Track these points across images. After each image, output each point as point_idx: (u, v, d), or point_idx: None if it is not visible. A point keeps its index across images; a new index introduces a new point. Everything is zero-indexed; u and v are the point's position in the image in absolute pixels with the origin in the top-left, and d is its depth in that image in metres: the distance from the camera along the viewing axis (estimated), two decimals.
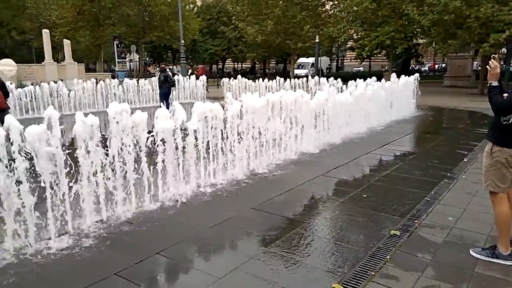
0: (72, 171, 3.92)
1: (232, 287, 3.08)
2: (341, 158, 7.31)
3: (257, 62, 60.88)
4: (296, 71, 35.78)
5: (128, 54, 48.72)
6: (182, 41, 26.32)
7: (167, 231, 4.17)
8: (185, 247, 3.79)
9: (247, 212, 4.68)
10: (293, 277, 3.18)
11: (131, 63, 50.39)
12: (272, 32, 30.06)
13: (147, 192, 4.81)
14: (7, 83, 10.72)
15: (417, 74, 14.20)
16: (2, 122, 7.29)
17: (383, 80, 12.10)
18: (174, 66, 49.07)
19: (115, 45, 34.91)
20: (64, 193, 3.90)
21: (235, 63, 66.44)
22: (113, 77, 26.35)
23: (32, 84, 16.44)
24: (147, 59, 58.99)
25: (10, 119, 3.55)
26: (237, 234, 4.10)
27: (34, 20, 38.93)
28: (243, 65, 67.66)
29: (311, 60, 39.97)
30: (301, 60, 41.89)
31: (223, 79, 20.85)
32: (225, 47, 50.56)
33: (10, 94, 10.26)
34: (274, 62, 63.55)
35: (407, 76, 13.43)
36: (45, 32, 25.68)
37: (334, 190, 5.64)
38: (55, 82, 16.91)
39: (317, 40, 26.74)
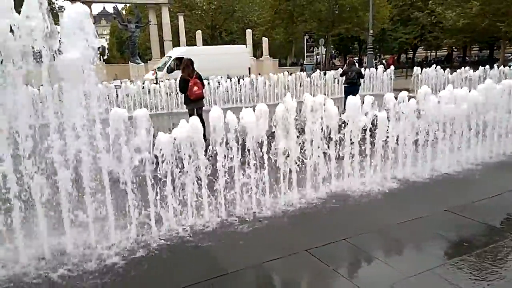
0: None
1: None
2: None
3: (455, 49, 53.88)
4: None
5: (316, 47, 50.58)
6: (371, 31, 25.63)
7: (353, 219, 4.27)
8: (371, 239, 3.79)
9: (440, 213, 4.33)
10: None
11: (317, 56, 52.15)
12: (477, 14, 26.06)
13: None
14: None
15: None
16: (200, 109, 8.67)
17: None
18: (355, 58, 48.19)
19: (305, 40, 36.78)
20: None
21: (428, 51, 60.52)
22: (301, 70, 27.94)
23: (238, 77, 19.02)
24: (333, 51, 59.84)
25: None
26: (428, 235, 3.85)
27: (240, 21, 44.63)
28: (437, 53, 61.01)
29: None
30: None
31: (415, 68, 19.31)
32: (418, 34, 46.53)
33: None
34: (477, 49, 54.99)
35: None
36: (248, 32, 29.21)
37: None
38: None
39: None
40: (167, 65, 22.75)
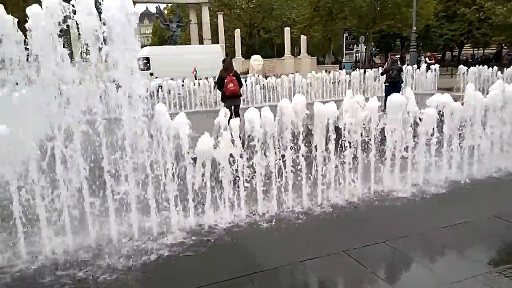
0: None
1: None
2: None
3: (505, 47, 50.87)
4: None
5: (355, 45, 49.52)
6: (414, 28, 24.75)
7: (395, 221, 4.18)
8: (413, 242, 3.70)
9: (487, 219, 4.14)
10: None
11: (357, 54, 51.08)
12: None
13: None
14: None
15: None
16: (237, 106, 8.82)
17: None
18: (397, 56, 46.67)
19: (344, 37, 36.15)
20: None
21: (475, 49, 57.56)
22: (340, 69, 27.50)
23: (275, 76, 19.02)
24: (373, 49, 58.35)
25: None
26: (474, 241, 3.71)
27: (278, 19, 44.60)
28: (485, 51, 57.88)
29: None
30: None
31: (460, 66, 18.44)
32: (464, 31, 44.36)
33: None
34: None
35: None
36: (287, 30, 29.15)
37: None
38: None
39: None
40: None
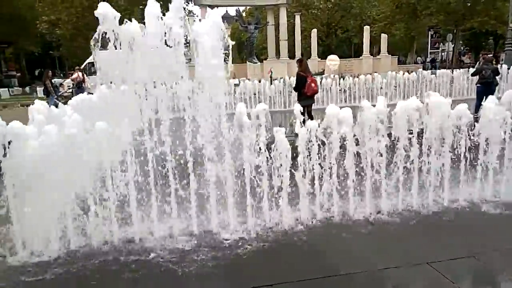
0: None
1: None
2: None
3: None
4: None
5: (442, 43, 46.17)
6: (510, 25, 22.32)
7: (487, 234, 3.84)
8: (505, 258, 3.36)
9: None
10: None
11: (443, 53, 47.61)
12: None
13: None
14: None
15: None
16: (310, 106, 8.74)
17: None
18: (489, 54, 42.45)
19: (429, 36, 33.95)
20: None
21: None
22: (424, 69, 25.81)
23: (352, 76, 18.49)
24: (462, 48, 53.93)
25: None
26: None
27: (357, 18, 43.28)
28: None
29: None
30: None
31: None
32: None
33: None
34: None
35: None
36: (366, 29, 28.16)
37: None
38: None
39: None
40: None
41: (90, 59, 24.98)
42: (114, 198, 3.75)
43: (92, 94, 6.31)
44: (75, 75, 15.40)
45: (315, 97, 9.53)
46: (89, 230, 3.76)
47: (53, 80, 15.72)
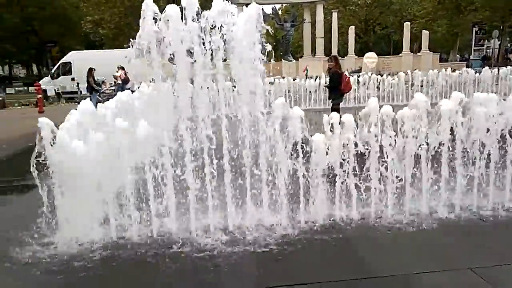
0: None
1: None
2: None
3: None
4: None
5: (487, 40, 43.94)
6: None
7: None
8: None
9: None
10: None
11: (488, 51, 45.30)
12: None
13: None
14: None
15: None
16: (338, 104, 8.28)
17: None
18: None
19: (473, 32, 32.41)
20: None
21: None
22: (467, 66, 24.65)
23: (389, 74, 17.99)
24: (508, 45, 51.07)
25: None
26: None
27: (397, 14, 42.06)
28: None
29: None
30: None
31: None
32: None
33: None
34: None
35: None
36: (406, 25, 27.30)
37: None
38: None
39: None
40: (52, 71, 23.39)
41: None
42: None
43: (134, 91, 6.50)
44: (118, 73, 15.93)
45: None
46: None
47: (96, 78, 16.34)
